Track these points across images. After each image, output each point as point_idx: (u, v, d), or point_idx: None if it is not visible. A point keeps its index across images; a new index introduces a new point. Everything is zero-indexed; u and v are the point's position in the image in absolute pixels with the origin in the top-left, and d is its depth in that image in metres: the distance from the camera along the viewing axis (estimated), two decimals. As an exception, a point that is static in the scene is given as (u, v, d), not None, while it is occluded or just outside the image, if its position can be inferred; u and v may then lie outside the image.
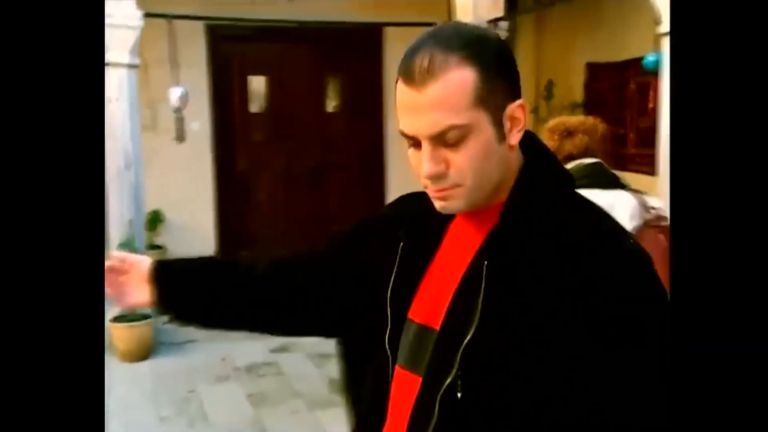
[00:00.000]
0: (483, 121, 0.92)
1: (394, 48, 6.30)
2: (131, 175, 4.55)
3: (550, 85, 6.37)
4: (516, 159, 1.00)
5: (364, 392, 1.10)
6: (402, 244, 1.07)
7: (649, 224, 2.25)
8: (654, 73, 4.29)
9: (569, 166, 2.41)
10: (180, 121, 5.16)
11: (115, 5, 4.23)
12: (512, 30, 5.42)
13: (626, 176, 2.65)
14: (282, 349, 4.60)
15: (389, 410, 1.05)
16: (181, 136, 5.17)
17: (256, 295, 1.23)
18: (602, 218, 1.00)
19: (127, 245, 4.22)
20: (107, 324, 4.32)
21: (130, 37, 4.41)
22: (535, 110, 6.22)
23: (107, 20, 3.99)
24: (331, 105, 6.61)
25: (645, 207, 2.30)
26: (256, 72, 6.41)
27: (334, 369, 1.16)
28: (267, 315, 1.25)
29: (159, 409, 3.83)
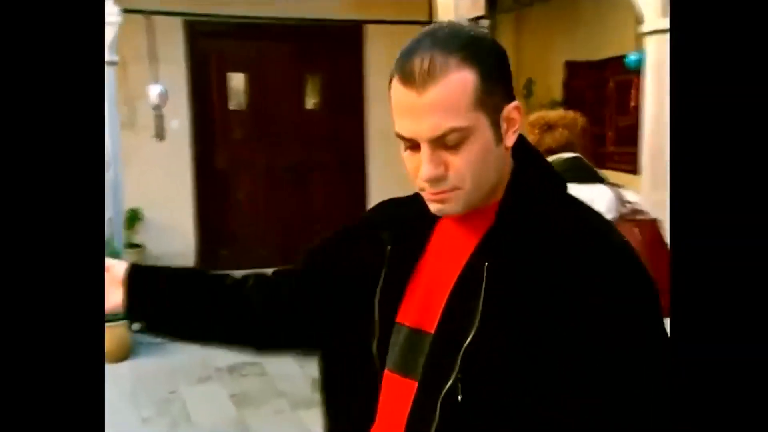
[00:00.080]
0: (482, 122, 0.92)
1: (375, 46, 6.30)
2: (110, 173, 4.49)
3: (529, 84, 6.41)
4: (509, 160, 1.00)
5: (347, 397, 1.08)
6: (389, 248, 1.05)
7: (625, 218, 2.28)
8: (636, 71, 4.33)
9: (549, 160, 2.43)
10: (160, 119, 5.10)
11: (94, 1, 4.16)
12: (492, 29, 5.43)
13: (606, 174, 2.68)
14: (264, 349, 4.57)
15: (379, 415, 1.03)
16: (160, 134, 5.12)
17: (232, 308, 1.19)
18: (593, 217, 1.01)
19: (106, 244, 4.16)
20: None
21: (109, 34, 4.34)
22: (514, 108, 6.24)
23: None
24: (311, 103, 6.58)
25: (621, 201, 2.34)
26: (236, 69, 6.36)
27: (317, 369, 1.14)
28: (242, 329, 1.20)
29: (140, 410, 3.78)
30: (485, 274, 0.93)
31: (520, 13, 6.57)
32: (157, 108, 5.08)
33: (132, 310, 1.15)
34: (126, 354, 4.48)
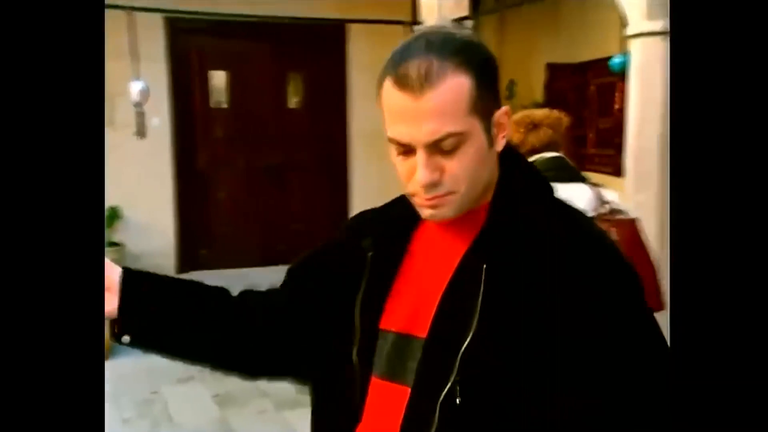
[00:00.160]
0: (477, 127, 0.93)
1: (358, 45, 6.29)
2: (90, 170, 4.42)
3: (511, 85, 6.44)
4: (496, 163, 1.01)
5: (331, 405, 1.07)
6: (370, 254, 1.04)
7: (602, 217, 2.30)
8: (619, 74, 4.37)
9: (531, 159, 2.46)
10: (141, 116, 5.04)
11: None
12: (475, 30, 5.45)
13: (588, 175, 2.71)
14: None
15: (365, 422, 1.02)
16: (141, 132, 5.06)
17: (231, 331, 1.14)
18: (579, 216, 1.04)
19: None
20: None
21: (90, 29, 4.28)
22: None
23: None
24: (293, 101, 6.55)
25: (601, 201, 2.37)
26: (217, 67, 6.31)
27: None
28: (238, 352, 1.16)
29: (121, 411, 3.73)
30: (484, 275, 0.93)
31: (502, 15, 6.60)
32: (138, 105, 5.02)
33: (124, 321, 1.07)
34: (106, 354, 4.42)
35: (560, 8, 5.90)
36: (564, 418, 0.90)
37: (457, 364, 0.91)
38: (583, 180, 2.50)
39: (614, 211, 2.39)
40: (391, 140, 0.94)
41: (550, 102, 6.16)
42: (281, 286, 1.18)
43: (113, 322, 1.07)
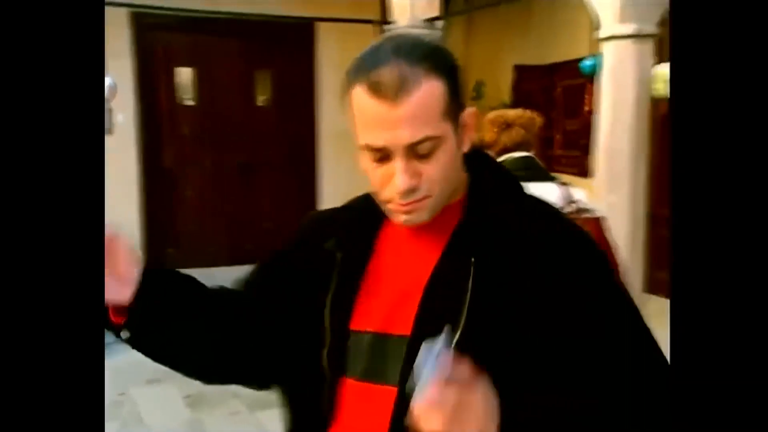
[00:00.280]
0: (449, 130, 0.94)
1: (328, 42, 6.26)
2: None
3: (479, 86, 6.49)
4: (462, 164, 1.03)
5: (302, 409, 1.06)
6: (340, 255, 1.04)
7: (569, 215, 2.35)
8: (588, 76, 4.44)
9: (502, 158, 2.50)
10: (107, 113, 4.94)
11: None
12: (445, 30, 5.47)
13: (557, 176, 2.76)
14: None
15: (340, 425, 1.01)
16: (109, 129, 4.95)
17: (225, 338, 1.09)
18: (549, 207, 1.08)
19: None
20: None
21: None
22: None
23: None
24: (261, 99, 6.48)
25: (568, 199, 2.42)
26: (184, 63, 6.21)
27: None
28: (225, 360, 1.11)
29: (89, 414, 3.66)
30: (472, 269, 0.94)
31: (470, 16, 6.65)
32: (106, 102, 4.92)
33: (132, 315, 1.00)
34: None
35: (529, 10, 5.97)
36: (555, 402, 0.91)
37: None
38: (552, 179, 2.55)
39: (581, 210, 2.45)
40: (365, 147, 0.93)
41: (517, 103, 6.23)
42: (245, 288, 1.15)
43: (114, 313, 1.00)
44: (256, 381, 1.15)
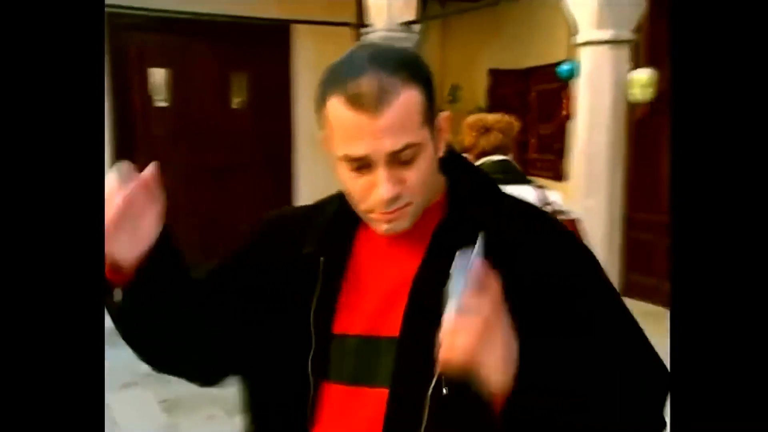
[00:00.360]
0: (427, 136, 0.95)
1: (304, 44, 6.24)
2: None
3: (455, 90, 6.53)
4: (438, 168, 1.03)
5: (278, 415, 1.03)
6: (323, 259, 1.03)
7: None
8: (564, 81, 4.49)
9: (480, 161, 2.54)
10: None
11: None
12: (422, 34, 5.50)
13: (534, 179, 2.80)
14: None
15: (327, 430, 1.00)
16: (81, 129, 4.88)
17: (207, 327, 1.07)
18: (533, 208, 1.10)
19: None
20: None
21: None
22: (439, 114, 6.35)
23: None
24: (237, 101, 6.44)
25: (544, 201, 2.47)
26: (158, 64, 6.14)
27: (241, 389, 1.09)
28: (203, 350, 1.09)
29: (63, 419, 3.59)
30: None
31: (446, 20, 6.69)
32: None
33: (138, 280, 0.96)
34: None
35: (504, 15, 6.02)
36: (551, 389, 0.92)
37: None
38: (528, 182, 2.60)
39: (556, 212, 2.49)
40: (344, 158, 0.93)
41: (493, 107, 6.28)
42: (207, 281, 1.11)
43: (112, 270, 0.96)
44: (202, 374, 1.13)
